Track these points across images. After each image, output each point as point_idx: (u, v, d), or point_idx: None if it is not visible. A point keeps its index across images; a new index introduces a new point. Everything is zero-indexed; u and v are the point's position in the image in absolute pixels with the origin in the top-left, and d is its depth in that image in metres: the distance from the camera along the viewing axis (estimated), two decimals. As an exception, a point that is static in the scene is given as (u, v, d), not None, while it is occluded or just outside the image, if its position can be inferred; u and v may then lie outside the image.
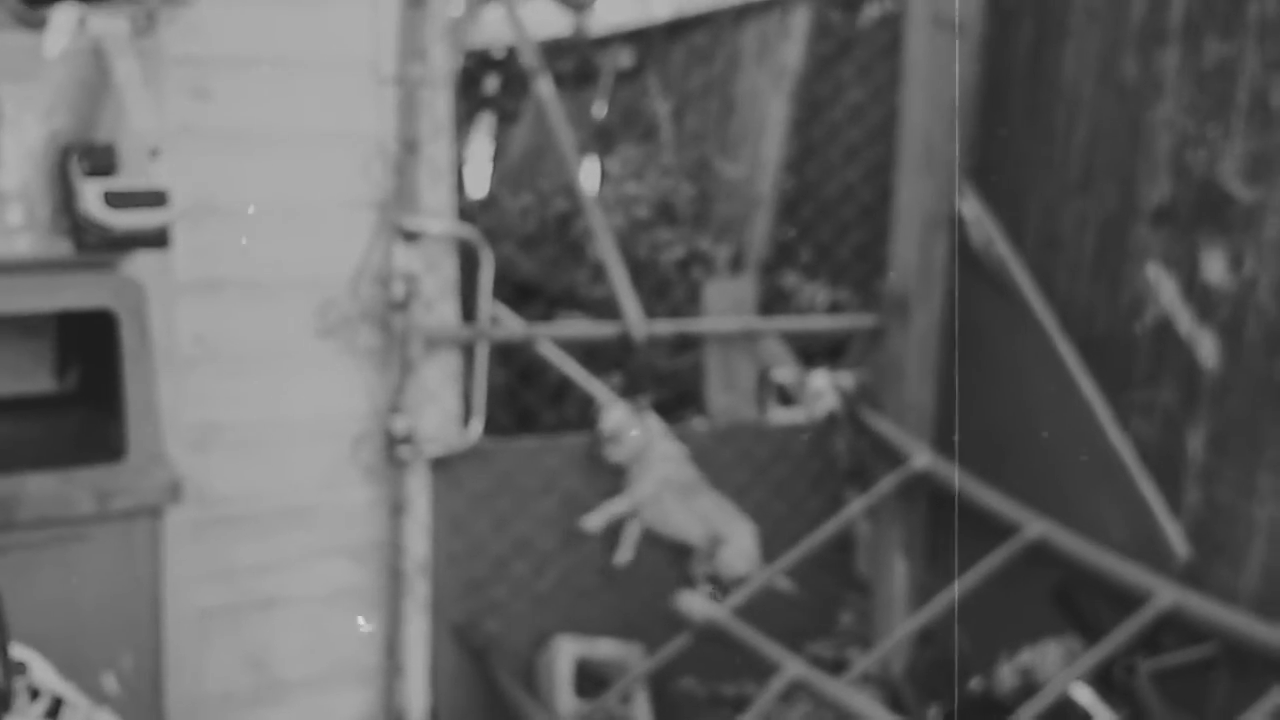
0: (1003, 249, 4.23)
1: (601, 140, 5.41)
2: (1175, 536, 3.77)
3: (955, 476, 4.28)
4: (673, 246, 4.85)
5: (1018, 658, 4.06)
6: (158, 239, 3.00)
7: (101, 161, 2.90)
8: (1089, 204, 4.03)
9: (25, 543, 2.93)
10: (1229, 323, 3.68)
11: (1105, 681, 3.65)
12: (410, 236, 3.81)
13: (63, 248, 2.95)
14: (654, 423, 4.28)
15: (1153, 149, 3.84)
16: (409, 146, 3.76)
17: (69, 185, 2.90)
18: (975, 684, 4.15)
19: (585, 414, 4.45)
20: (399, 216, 3.80)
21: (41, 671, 1.39)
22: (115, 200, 2.91)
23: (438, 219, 3.85)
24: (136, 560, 3.10)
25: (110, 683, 2.42)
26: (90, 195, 2.89)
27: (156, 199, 2.96)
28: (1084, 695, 3.57)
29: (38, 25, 2.92)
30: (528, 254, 5.09)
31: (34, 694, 1.38)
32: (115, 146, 2.92)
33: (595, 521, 4.19)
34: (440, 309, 3.95)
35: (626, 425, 4.20)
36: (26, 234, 2.92)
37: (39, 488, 2.96)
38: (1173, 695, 3.55)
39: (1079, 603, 3.94)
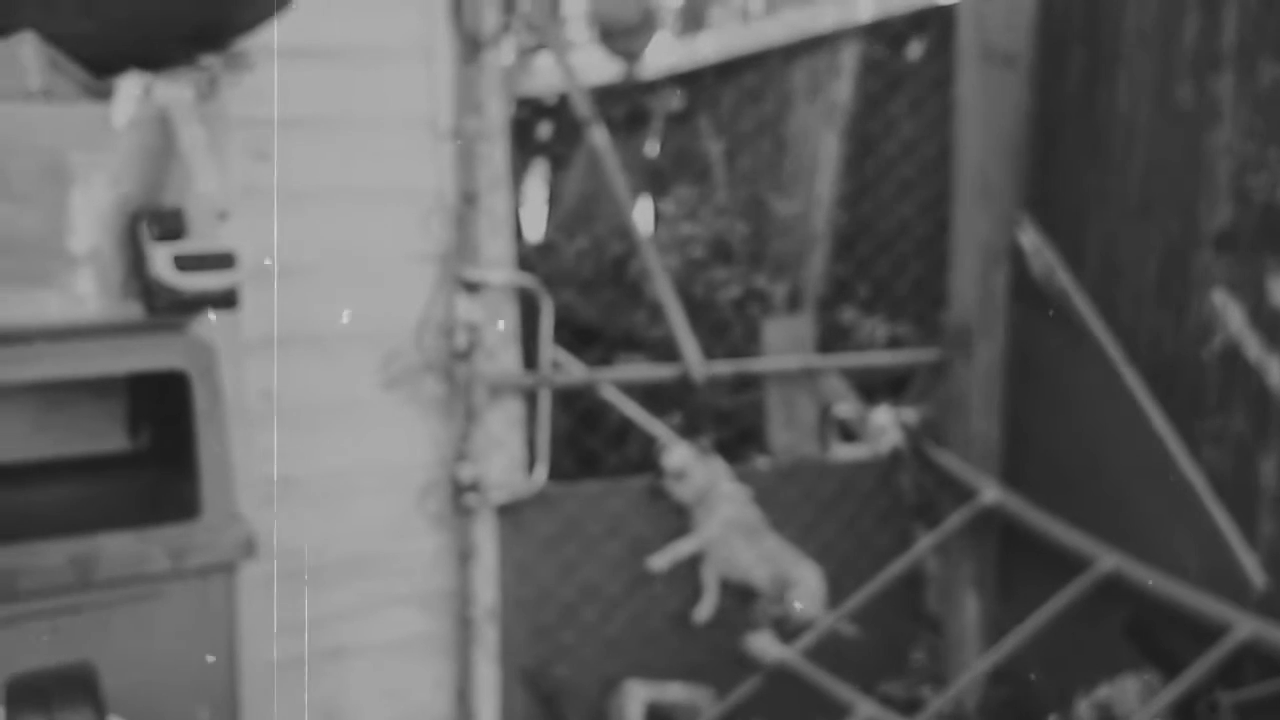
0: (1064, 279, 4.20)
1: (654, 182, 5.43)
2: (1252, 566, 3.71)
3: (1024, 509, 4.24)
4: (729, 285, 4.85)
5: (1095, 693, 4.00)
6: (227, 299, 3.04)
7: (170, 225, 2.95)
8: (1150, 231, 3.99)
9: (102, 602, 2.97)
10: (1298, 347, 3.63)
11: (1186, 716, 3.59)
12: (471, 287, 3.85)
13: (134, 310, 3.00)
14: (717, 463, 4.27)
15: (1213, 174, 3.81)
16: (468, 199, 3.81)
17: (139, 249, 2.95)
18: (1052, 720, 4.10)
19: (648, 455, 4.45)
20: (460, 268, 3.84)
21: None
22: (185, 263, 2.96)
23: (498, 269, 3.89)
24: (211, 616, 3.13)
25: (190, 740, 2.45)
26: (160, 259, 2.94)
27: (225, 261, 3.00)
28: (1165, 732, 3.51)
29: (105, 95, 2.99)
30: (586, 298, 5.11)
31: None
32: (183, 210, 2.97)
33: (661, 562, 4.19)
34: (502, 357, 3.98)
35: (689, 463, 4.20)
36: (99, 298, 2.97)
37: (115, 547, 3.00)
38: (1256, 729, 3.49)
39: (1155, 636, 3.88)
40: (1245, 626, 3.61)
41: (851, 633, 4.27)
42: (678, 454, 4.23)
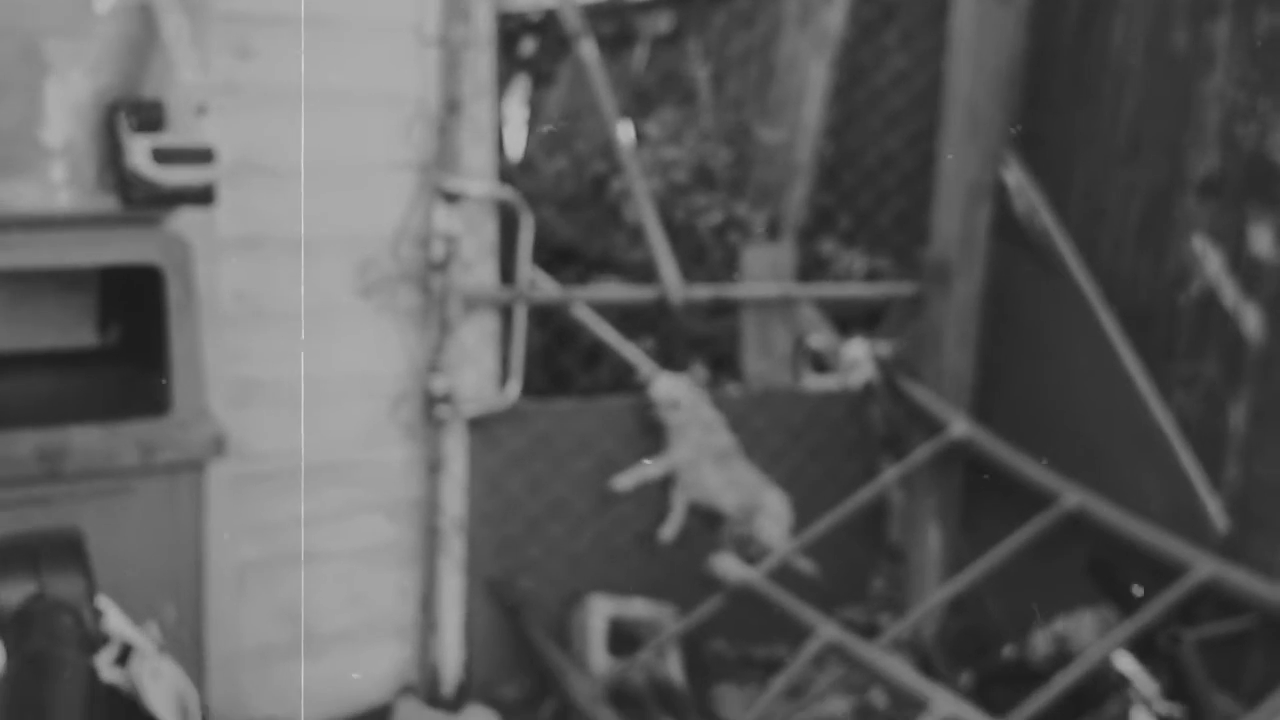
0: (1046, 218, 4.20)
1: (639, 104, 5.37)
2: (1214, 509, 3.76)
3: (992, 444, 4.27)
4: (710, 211, 4.82)
5: (1052, 626, 4.06)
6: (204, 196, 3.01)
7: (149, 118, 2.91)
8: (1135, 175, 3.99)
9: (71, 494, 2.96)
10: (1275, 296, 3.65)
11: (1143, 651, 3.65)
12: (451, 198, 3.82)
13: (109, 203, 2.97)
14: (697, 390, 4.28)
15: (1202, 121, 3.80)
16: (451, 107, 3.76)
17: (116, 141, 2.91)
18: (1008, 651, 4.16)
19: (620, 377, 4.44)
20: (440, 177, 3.80)
21: (115, 618, 1.42)
22: (163, 156, 2.92)
23: (479, 181, 3.85)
24: (179, 513, 3.13)
25: (154, 632, 2.44)
26: (138, 151, 2.90)
27: (203, 156, 2.96)
28: (1126, 664, 3.57)
29: (86, -20, 2.92)
30: (564, 217, 5.07)
31: (105, 640, 1.40)
32: (163, 103, 2.93)
33: (626, 482, 4.20)
34: (479, 270, 3.95)
35: (678, 392, 4.21)
36: (72, 189, 2.93)
37: (84, 440, 2.99)
38: (1209, 666, 3.55)
39: (1115, 573, 3.94)
40: (1205, 567, 3.66)
41: (809, 569, 4.31)
42: (666, 384, 4.23)
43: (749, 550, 4.28)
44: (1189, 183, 3.84)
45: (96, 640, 1.38)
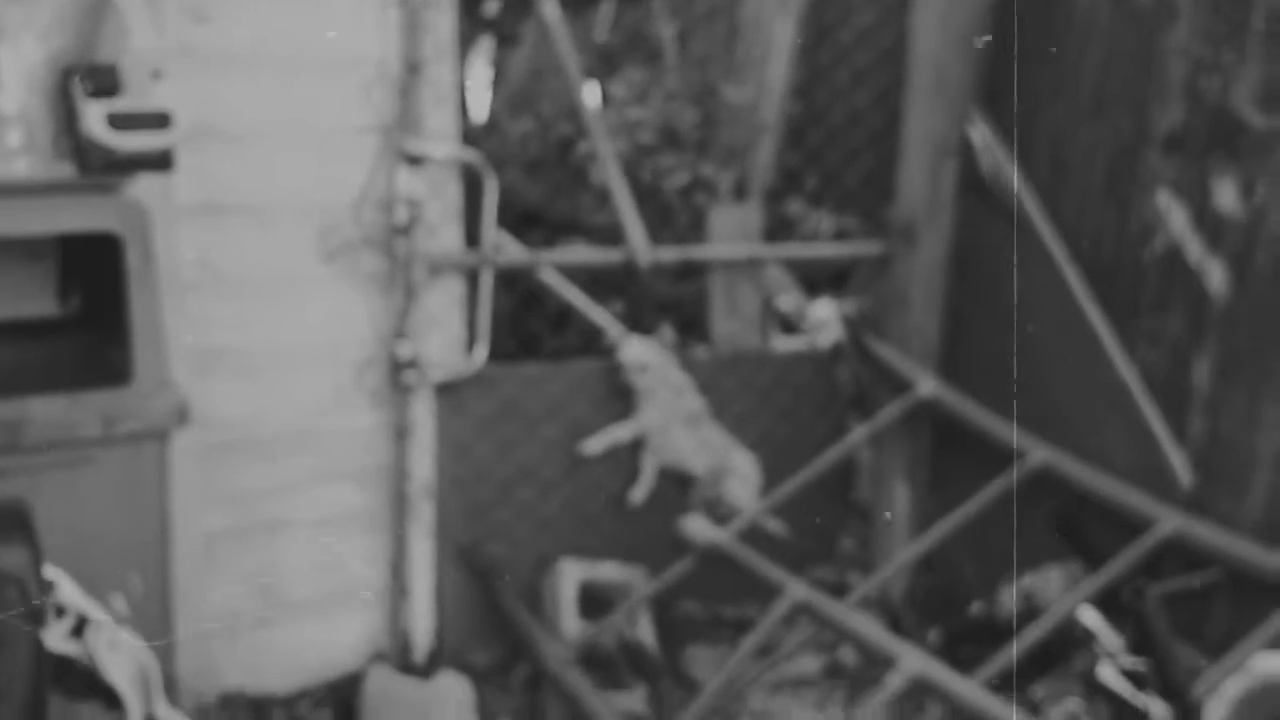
0: (1012, 176, 4.19)
1: (604, 64, 5.33)
2: (1179, 464, 3.78)
3: (958, 401, 4.29)
4: (676, 172, 4.80)
5: (1019, 582, 4.09)
6: (161, 161, 2.96)
7: (104, 83, 2.86)
8: (1100, 131, 3.99)
9: (31, 466, 2.93)
10: (1239, 252, 3.66)
11: (1109, 606, 3.68)
12: (413, 160, 3.78)
13: (65, 170, 2.92)
14: (665, 353, 4.27)
15: (1165, 75, 3.80)
16: (412, 68, 3.71)
17: (71, 107, 2.86)
18: (976, 608, 4.19)
19: (588, 340, 4.43)
20: (402, 140, 3.76)
21: (68, 590, 1.40)
22: (118, 122, 2.88)
23: (441, 143, 3.82)
24: (143, 483, 3.11)
25: (120, 604, 2.43)
26: (93, 117, 2.85)
27: (159, 121, 2.92)
28: (1090, 618, 3.60)
29: (35, -58, 2.87)
30: (530, 180, 5.04)
31: (60, 611, 1.39)
32: (117, 68, 2.88)
33: (595, 446, 4.20)
34: (444, 234, 3.92)
35: (645, 356, 4.20)
36: (27, 156, 2.89)
37: (44, 411, 2.96)
38: (1174, 620, 3.58)
39: (1081, 529, 3.96)
40: (1170, 521, 3.69)
41: (779, 530, 4.32)
42: (635, 348, 4.21)
43: (718, 512, 4.29)
44: (1153, 138, 3.84)
45: (44, 612, 1.37)
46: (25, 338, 3.22)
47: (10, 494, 2.87)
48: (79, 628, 1.42)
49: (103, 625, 1.46)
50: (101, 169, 2.91)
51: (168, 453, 3.15)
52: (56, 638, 1.36)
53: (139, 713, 1.48)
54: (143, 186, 3.07)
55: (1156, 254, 3.85)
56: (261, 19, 3.48)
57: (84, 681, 1.42)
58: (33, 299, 3.23)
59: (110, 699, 1.46)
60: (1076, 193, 4.07)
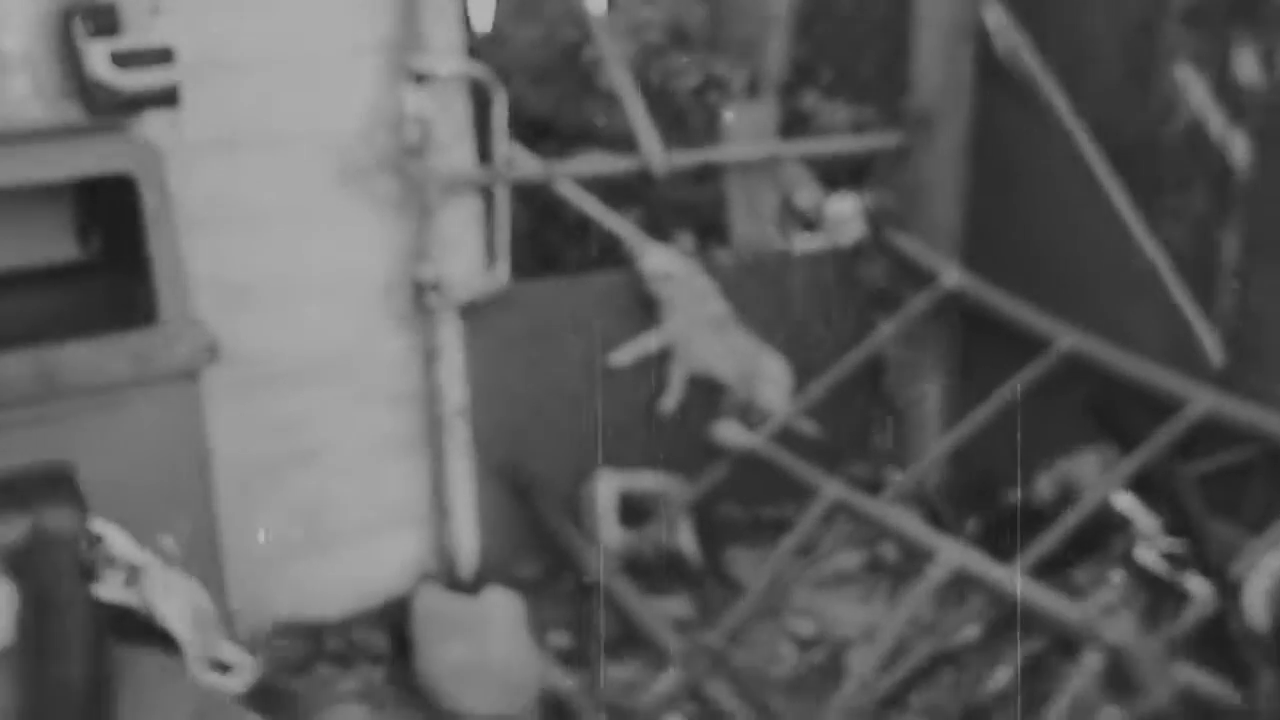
0: (1028, 58, 4.11)
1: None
2: (1210, 343, 3.76)
3: (985, 292, 4.26)
4: (687, 72, 4.72)
5: (1054, 469, 4.10)
6: (168, 98, 2.93)
7: (105, 21, 2.81)
8: (1117, 5, 3.90)
9: (68, 411, 2.94)
10: (1262, 124, 3.59)
11: (1144, 489, 3.69)
12: (420, 78, 3.72)
13: (73, 113, 2.89)
14: (686, 260, 4.24)
15: (1183, -54, 3.70)
16: (414, -16, 3.64)
17: (74, 48, 2.82)
18: (1012, 496, 4.20)
19: (608, 251, 4.40)
20: (407, 58, 3.70)
21: (117, 540, 1.42)
22: (122, 60, 2.84)
23: (447, 58, 3.75)
24: (179, 422, 3.12)
25: (169, 545, 2.44)
26: (97, 56, 2.81)
27: (163, 56, 2.88)
28: (1125, 502, 3.61)
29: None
30: (538, 90, 4.97)
31: (111, 563, 1.41)
32: (116, 6, 2.83)
33: (623, 357, 4.19)
34: (456, 152, 3.88)
35: (668, 264, 4.16)
36: (35, 101, 2.86)
37: (76, 356, 2.96)
38: (1209, 499, 3.58)
39: (1114, 412, 3.95)
40: (1203, 401, 3.68)
41: (811, 430, 4.32)
42: (655, 257, 4.18)
43: (750, 417, 4.30)
44: (1171, 11, 3.75)
45: (97, 567, 1.39)
46: (49, 283, 3.22)
47: (50, 441, 2.89)
48: (132, 576, 1.43)
49: (154, 571, 1.48)
50: (109, 109, 2.88)
51: (201, 390, 3.16)
52: (111, 589, 1.38)
53: (198, 652, 1.51)
54: (152, 125, 3.04)
55: (1178, 130, 3.78)
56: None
57: (142, 628, 1.44)
58: (53, 244, 3.22)
59: (169, 642, 1.48)
60: (1095, 71, 3.99)
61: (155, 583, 1.47)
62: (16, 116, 2.84)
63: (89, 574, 1.37)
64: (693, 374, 4.27)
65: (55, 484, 1.36)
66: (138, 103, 2.89)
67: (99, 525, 1.37)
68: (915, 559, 3.80)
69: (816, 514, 3.86)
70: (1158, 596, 3.52)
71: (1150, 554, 3.60)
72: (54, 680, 1.21)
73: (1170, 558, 3.50)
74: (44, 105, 2.86)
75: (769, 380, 4.31)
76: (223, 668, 1.54)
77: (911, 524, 3.86)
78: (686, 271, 4.20)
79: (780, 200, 4.52)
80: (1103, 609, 3.41)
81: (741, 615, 3.78)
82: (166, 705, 1.33)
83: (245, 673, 1.56)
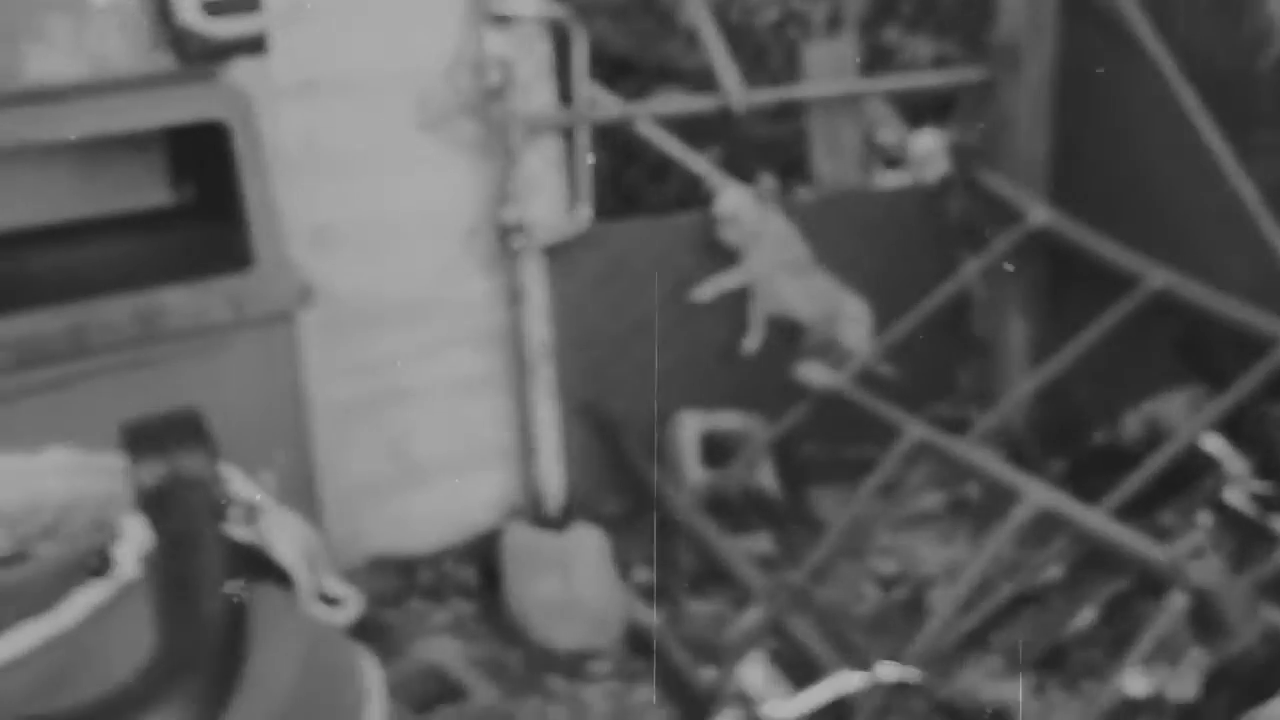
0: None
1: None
2: (1305, 280, 3.69)
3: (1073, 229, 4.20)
4: (766, 8, 4.68)
5: (1142, 409, 4.06)
6: (257, 44, 2.97)
7: (197, -30, 2.86)
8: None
9: (168, 355, 3.02)
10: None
11: (1234, 430, 3.64)
12: (501, 20, 3.73)
13: (165, 61, 2.95)
14: (768, 200, 4.23)
15: None
16: (496, -75, 3.64)
17: (166, -2, 2.87)
18: (1099, 436, 4.17)
19: (689, 191, 4.40)
20: (488, 0, 3.71)
21: (237, 482, 1.47)
22: (213, 8, 2.88)
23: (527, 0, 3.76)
24: (276, 364, 3.19)
25: (269, 481, 2.52)
26: (187, 5, 2.86)
27: (252, 3, 2.92)
28: (1214, 444, 3.57)
29: None
30: (616, 28, 4.94)
31: (232, 503, 1.46)
32: (208, -47, 2.87)
33: (705, 293, 4.21)
34: (537, 93, 3.90)
35: (741, 206, 4.16)
36: (128, 50, 2.91)
37: (175, 300, 3.04)
38: (1303, 438, 3.54)
39: (1204, 351, 3.90)
40: (1296, 339, 3.62)
41: (890, 374, 4.30)
42: (729, 199, 4.17)
43: (831, 356, 4.29)
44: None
45: (224, 508, 1.44)
46: (144, 229, 3.30)
47: (150, 384, 2.98)
48: (250, 514, 1.49)
49: (269, 509, 1.53)
50: (200, 57, 2.93)
51: (296, 331, 3.22)
52: (234, 528, 1.43)
53: (309, 586, 1.56)
54: (241, 70, 3.08)
55: (1271, 62, 3.69)
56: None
57: (259, 564, 1.50)
58: (147, 190, 3.30)
59: (283, 578, 1.54)
60: (1185, 2, 3.89)
61: (270, 521, 1.52)
62: (110, 66, 2.90)
63: (220, 515, 1.42)
64: (773, 314, 4.28)
65: (188, 428, 1.41)
66: (228, 50, 2.94)
67: (224, 468, 1.42)
68: (999, 499, 3.79)
69: (900, 454, 3.86)
70: (1246, 539, 3.49)
71: (1239, 495, 3.57)
72: (192, 615, 1.27)
73: (1259, 499, 3.46)
74: (137, 54, 2.92)
75: (850, 320, 4.30)
76: (330, 602, 1.59)
77: (995, 464, 3.85)
78: (760, 214, 4.19)
79: (863, 137, 4.48)
80: (1190, 550, 3.38)
81: (824, 554, 3.80)
82: (287, 638, 1.39)
83: (351, 607, 1.61)
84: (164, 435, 1.38)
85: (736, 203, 4.16)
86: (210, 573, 1.31)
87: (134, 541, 1.36)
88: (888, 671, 3.30)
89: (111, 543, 1.35)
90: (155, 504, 1.35)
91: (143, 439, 1.38)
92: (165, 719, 1.22)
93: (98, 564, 1.33)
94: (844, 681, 3.31)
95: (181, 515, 1.32)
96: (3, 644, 1.26)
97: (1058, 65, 4.23)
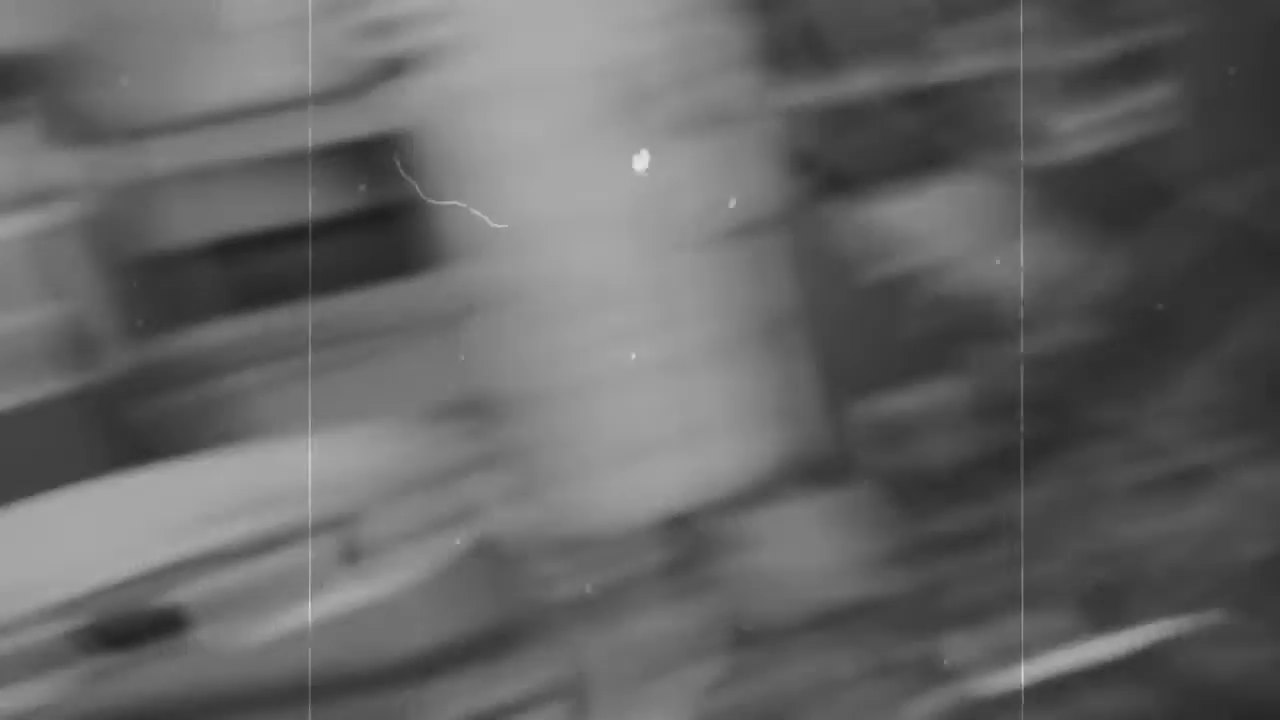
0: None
1: None
2: None
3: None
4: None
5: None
6: (421, 61, 3.06)
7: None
8: None
9: (354, 355, 3.19)
10: None
11: None
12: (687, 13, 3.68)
13: (344, 77, 3.07)
14: None
15: None
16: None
17: (339, 20, 2.99)
18: None
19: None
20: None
21: None
22: (382, 28, 2.99)
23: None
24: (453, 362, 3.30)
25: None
26: (359, 26, 2.97)
27: (413, 23, 3.01)
28: None
29: None
30: None
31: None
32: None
33: None
34: (725, 82, 3.84)
35: None
36: (307, 69, 3.06)
37: (358, 304, 3.19)
38: None
39: None
40: None
41: None
42: None
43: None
44: None
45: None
46: (332, 235, 3.46)
47: (337, 382, 3.17)
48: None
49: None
50: (373, 74, 3.05)
51: (475, 330, 3.31)
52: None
53: None
54: (415, 81, 3.17)
55: None
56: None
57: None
58: (333, 198, 3.45)
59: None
60: None
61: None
62: (287, 86, 3.05)
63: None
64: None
65: None
66: (396, 67, 3.04)
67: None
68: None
69: None
70: None
71: None
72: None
73: None
74: (316, 73, 3.06)
75: None
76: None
77: None
78: None
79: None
80: None
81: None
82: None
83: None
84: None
85: None
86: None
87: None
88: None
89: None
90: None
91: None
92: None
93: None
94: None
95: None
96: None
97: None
